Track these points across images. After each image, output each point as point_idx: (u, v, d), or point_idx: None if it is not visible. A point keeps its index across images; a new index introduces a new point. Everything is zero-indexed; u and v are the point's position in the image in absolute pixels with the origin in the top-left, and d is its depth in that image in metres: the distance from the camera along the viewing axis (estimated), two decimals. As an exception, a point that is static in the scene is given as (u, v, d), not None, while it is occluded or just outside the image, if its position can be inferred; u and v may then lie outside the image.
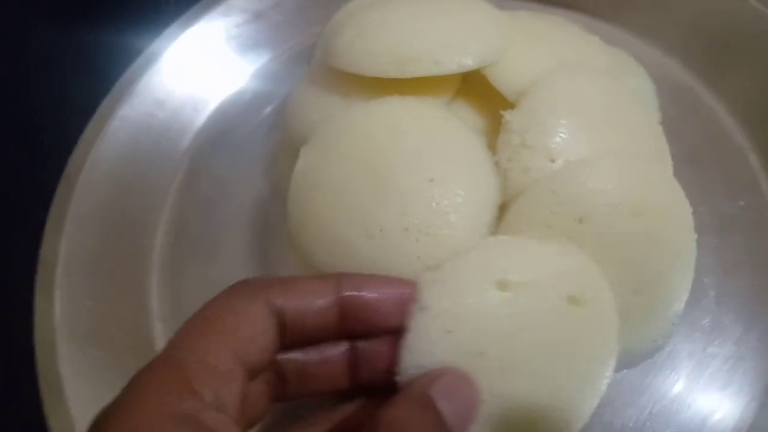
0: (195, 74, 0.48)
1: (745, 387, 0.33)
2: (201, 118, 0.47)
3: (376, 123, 0.33)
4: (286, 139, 0.41)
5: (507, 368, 0.28)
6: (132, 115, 0.44)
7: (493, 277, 0.29)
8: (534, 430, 0.28)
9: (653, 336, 0.33)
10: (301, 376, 0.28)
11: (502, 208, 0.32)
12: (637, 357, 0.34)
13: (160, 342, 0.38)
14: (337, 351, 0.28)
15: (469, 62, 0.34)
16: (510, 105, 0.34)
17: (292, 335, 0.26)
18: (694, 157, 0.35)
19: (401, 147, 0.32)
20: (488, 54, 0.34)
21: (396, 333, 0.28)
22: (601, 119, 0.34)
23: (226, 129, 0.47)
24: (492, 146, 0.34)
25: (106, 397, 0.22)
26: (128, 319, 0.39)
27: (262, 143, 0.45)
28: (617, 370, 0.32)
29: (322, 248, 0.33)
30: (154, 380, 0.22)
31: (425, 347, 0.27)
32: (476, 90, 0.37)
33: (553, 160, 0.32)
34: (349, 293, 0.27)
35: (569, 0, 0.48)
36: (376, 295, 0.27)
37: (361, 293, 0.27)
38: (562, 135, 0.32)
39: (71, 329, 0.37)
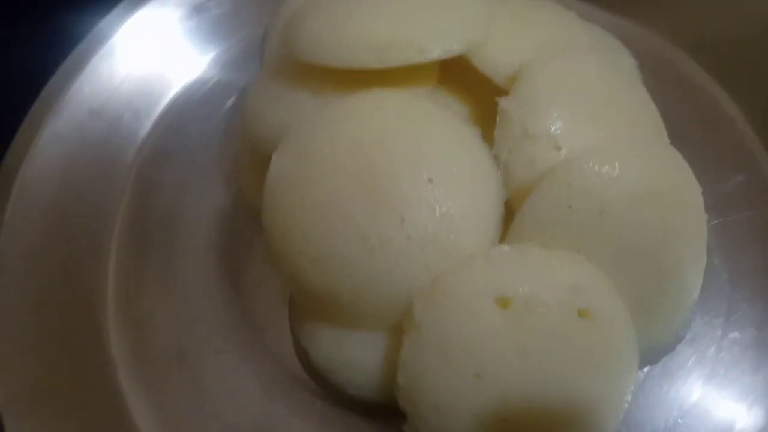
0: (134, 74, 0.43)
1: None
2: (145, 126, 0.41)
3: (360, 122, 0.30)
4: (247, 145, 0.37)
5: (508, 391, 0.26)
6: (63, 129, 0.38)
7: (491, 294, 0.27)
8: None
9: (675, 328, 0.31)
10: None
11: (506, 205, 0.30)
12: (660, 352, 0.32)
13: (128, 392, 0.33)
14: None
15: (455, 47, 0.30)
16: (497, 91, 0.31)
17: None
18: (683, 134, 0.33)
19: (392, 146, 0.29)
20: (475, 37, 0.31)
21: None
22: (601, 101, 0.31)
23: (175, 138, 0.41)
24: (486, 137, 0.30)
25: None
26: (84, 370, 0.33)
27: (218, 148, 0.41)
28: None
29: (313, 266, 0.29)
30: None
31: (418, 366, 0.27)
32: (457, 77, 0.33)
33: (558, 148, 0.29)
34: None
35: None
36: None
37: None
38: (565, 120, 0.29)
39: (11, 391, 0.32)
